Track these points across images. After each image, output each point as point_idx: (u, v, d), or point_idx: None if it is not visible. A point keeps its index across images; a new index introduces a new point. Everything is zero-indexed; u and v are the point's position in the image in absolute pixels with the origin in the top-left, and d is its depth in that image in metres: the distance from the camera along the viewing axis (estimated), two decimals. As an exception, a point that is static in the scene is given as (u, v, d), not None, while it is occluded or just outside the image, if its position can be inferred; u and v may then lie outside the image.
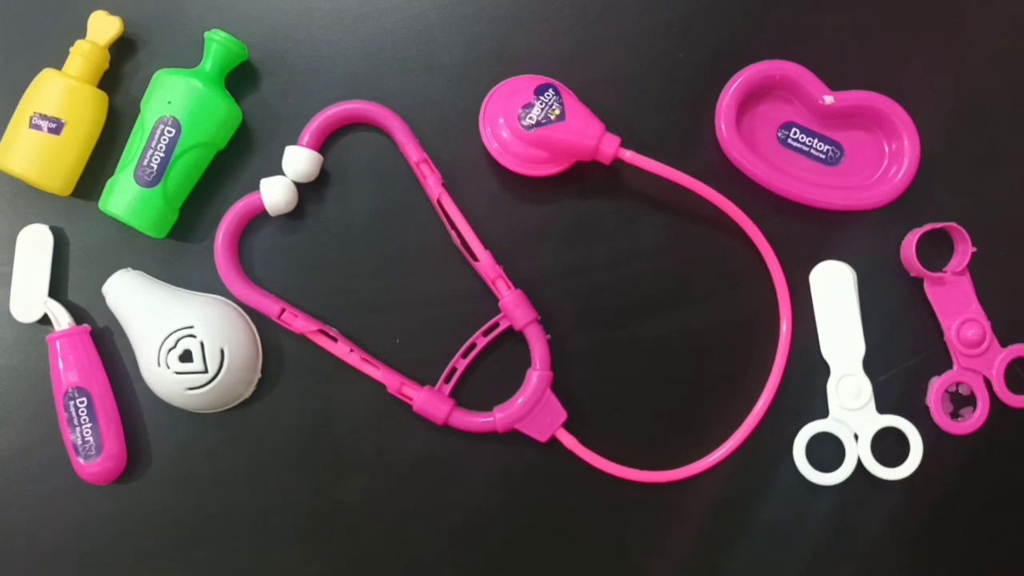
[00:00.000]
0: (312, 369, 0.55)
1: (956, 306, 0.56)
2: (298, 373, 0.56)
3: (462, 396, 0.55)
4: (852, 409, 0.55)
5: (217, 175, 0.55)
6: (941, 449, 0.56)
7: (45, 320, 0.54)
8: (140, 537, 0.56)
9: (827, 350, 0.56)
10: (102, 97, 0.54)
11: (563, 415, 0.54)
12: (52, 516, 0.55)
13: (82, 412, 0.53)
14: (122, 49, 0.56)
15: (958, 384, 0.56)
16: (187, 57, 0.55)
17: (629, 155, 0.53)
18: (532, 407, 0.54)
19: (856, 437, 0.55)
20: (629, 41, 0.57)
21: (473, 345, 0.55)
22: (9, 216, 0.55)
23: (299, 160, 0.54)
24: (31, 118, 0.52)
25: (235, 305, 0.55)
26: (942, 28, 0.57)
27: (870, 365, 0.55)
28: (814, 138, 0.56)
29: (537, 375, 0.54)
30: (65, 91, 0.52)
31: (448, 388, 0.55)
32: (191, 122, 0.52)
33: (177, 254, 0.56)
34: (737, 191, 0.55)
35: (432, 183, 0.54)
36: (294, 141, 0.55)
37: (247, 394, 0.55)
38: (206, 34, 0.53)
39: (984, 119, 0.57)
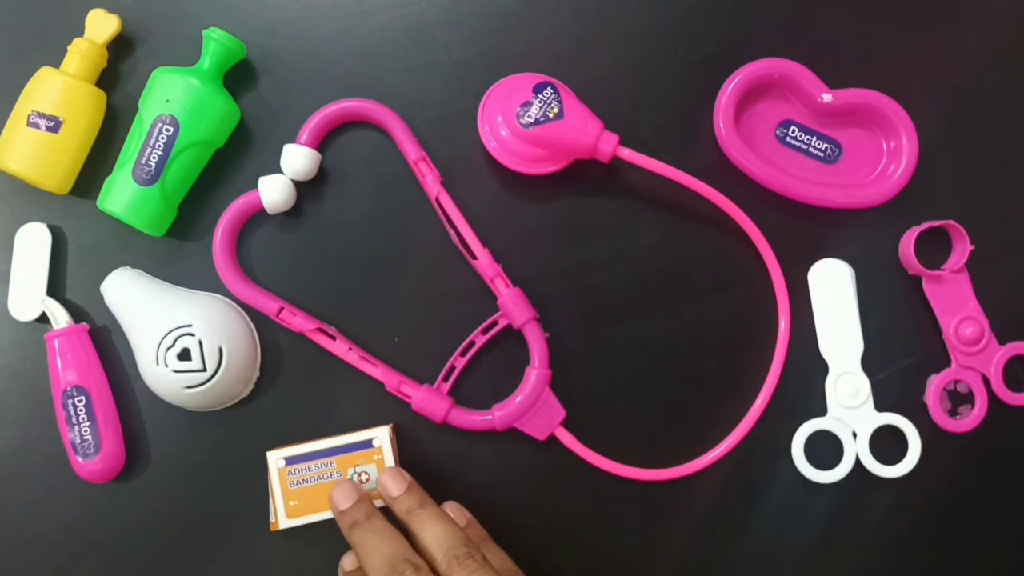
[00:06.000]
0: (311, 367, 0.55)
1: (954, 304, 0.56)
2: (296, 372, 0.56)
3: (461, 394, 0.55)
4: (850, 407, 0.55)
5: (215, 173, 0.55)
6: (939, 447, 0.56)
7: (43, 319, 0.54)
8: (138, 535, 0.56)
9: (825, 348, 0.56)
10: (100, 95, 0.54)
11: (562, 413, 0.54)
12: (50, 514, 0.55)
13: (80, 411, 0.53)
14: (120, 47, 0.55)
15: (956, 382, 0.56)
16: (185, 55, 0.55)
17: (627, 153, 0.53)
18: (531, 405, 0.54)
19: (854, 435, 0.55)
20: (627, 39, 0.57)
21: (472, 343, 0.55)
22: (7, 215, 0.55)
23: (297, 158, 0.54)
24: (29, 116, 0.52)
25: (233, 303, 0.55)
26: (940, 26, 0.57)
27: (868, 363, 0.55)
28: (812, 136, 0.56)
29: (536, 373, 0.54)
30: (63, 89, 0.52)
31: (447, 386, 0.55)
32: (189, 120, 0.52)
33: (175, 252, 0.56)
34: (735, 189, 0.54)
35: (430, 181, 0.54)
36: (292, 139, 0.55)
37: (245, 393, 0.55)
38: (204, 32, 0.53)
39: (982, 117, 0.57)
